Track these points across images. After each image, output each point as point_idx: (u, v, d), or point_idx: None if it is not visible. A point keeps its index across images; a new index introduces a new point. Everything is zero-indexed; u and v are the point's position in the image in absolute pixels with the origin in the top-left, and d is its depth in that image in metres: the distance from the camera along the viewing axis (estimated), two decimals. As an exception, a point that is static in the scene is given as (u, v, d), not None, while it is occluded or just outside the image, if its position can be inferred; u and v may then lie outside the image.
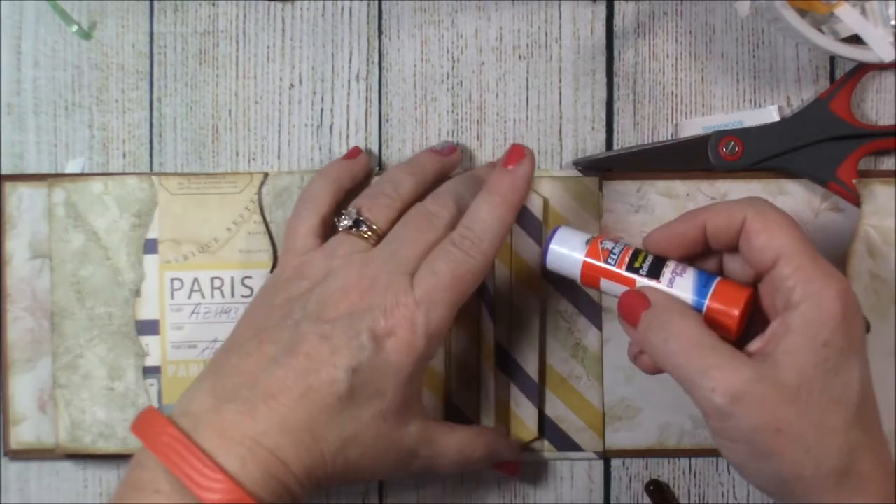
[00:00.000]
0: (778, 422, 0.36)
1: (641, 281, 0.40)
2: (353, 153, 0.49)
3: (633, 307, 0.40)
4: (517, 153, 0.43)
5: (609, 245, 0.42)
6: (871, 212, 0.48)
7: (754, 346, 0.38)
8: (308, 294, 0.42)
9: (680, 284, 0.40)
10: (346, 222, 0.44)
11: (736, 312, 0.39)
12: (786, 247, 0.37)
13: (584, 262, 0.42)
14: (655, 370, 0.41)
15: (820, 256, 0.37)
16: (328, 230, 0.45)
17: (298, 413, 0.39)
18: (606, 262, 0.41)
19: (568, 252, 0.42)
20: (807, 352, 0.36)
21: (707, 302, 0.39)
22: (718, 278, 0.40)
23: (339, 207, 0.46)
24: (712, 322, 0.39)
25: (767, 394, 0.36)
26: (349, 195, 0.47)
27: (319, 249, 0.44)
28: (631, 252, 0.41)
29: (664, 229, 0.41)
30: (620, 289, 0.41)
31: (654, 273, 0.40)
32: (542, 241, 0.49)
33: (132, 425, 0.39)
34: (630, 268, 0.41)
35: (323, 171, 0.47)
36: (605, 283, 0.42)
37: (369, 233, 0.43)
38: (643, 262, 0.41)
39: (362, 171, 0.48)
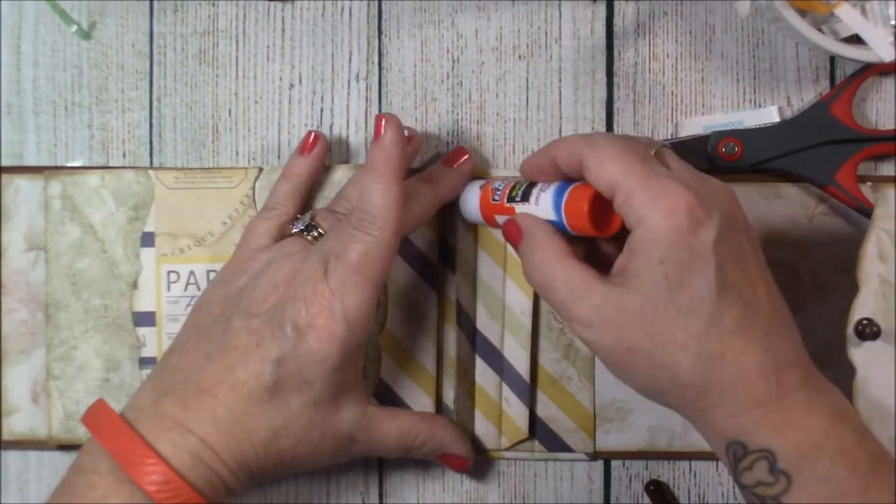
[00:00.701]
0: (627, 342, 0.38)
1: (517, 207, 0.43)
2: (311, 144, 0.49)
3: (512, 237, 0.43)
4: (379, 123, 0.43)
5: (496, 184, 0.45)
6: (883, 215, 0.48)
7: (620, 261, 0.39)
8: (242, 290, 0.43)
9: (543, 201, 0.42)
10: (298, 227, 0.46)
11: (584, 213, 0.40)
12: (616, 177, 0.38)
13: (480, 204, 0.45)
14: None
15: (657, 177, 0.38)
16: (286, 233, 0.47)
17: (228, 405, 0.40)
18: (493, 198, 0.44)
19: (469, 199, 0.46)
20: (645, 272, 0.37)
21: (563, 213, 0.41)
22: (572, 186, 0.41)
23: (301, 207, 0.48)
24: (574, 226, 0.41)
25: (613, 318, 0.38)
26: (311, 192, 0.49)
27: (267, 248, 0.45)
28: (511, 184, 0.44)
29: (528, 160, 0.44)
30: (506, 219, 0.43)
31: (526, 197, 0.43)
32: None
33: (83, 417, 0.41)
34: (510, 198, 0.43)
35: (286, 171, 0.49)
36: (498, 218, 0.44)
37: (316, 235, 0.45)
38: (518, 189, 0.43)
39: (322, 163, 0.49)
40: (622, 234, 0.39)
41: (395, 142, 0.42)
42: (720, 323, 0.37)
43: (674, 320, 0.37)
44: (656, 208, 0.37)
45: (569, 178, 0.42)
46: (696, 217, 0.37)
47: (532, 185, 0.43)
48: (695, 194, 0.37)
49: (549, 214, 0.41)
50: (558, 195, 0.41)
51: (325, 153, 0.49)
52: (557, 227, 0.41)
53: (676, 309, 0.37)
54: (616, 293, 0.38)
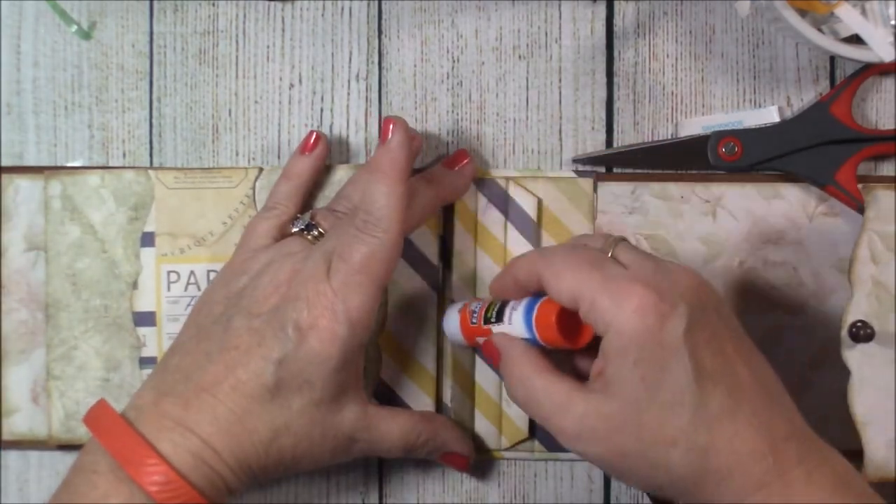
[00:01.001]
0: (618, 447, 0.38)
1: (494, 328, 0.43)
2: (313, 144, 0.49)
3: (492, 357, 0.43)
4: (387, 125, 0.43)
5: (473, 306, 0.45)
6: (874, 217, 0.48)
7: (596, 365, 0.39)
8: (243, 289, 0.43)
9: (515, 320, 0.42)
10: (298, 226, 0.46)
11: (553, 328, 0.40)
12: (575, 289, 0.38)
13: (461, 327, 0.45)
14: None
15: (615, 280, 0.38)
16: (286, 233, 0.47)
17: (229, 405, 0.40)
18: (472, 321, 0.45)
19: (451, 322, 0.46)
20: (622, 376, 0.37)
21: (535, 330, 0.41)
22: (540, 302, 0.41)
23: (301, 207, 0.48)
24: (547, 341, 0.41)
25: (598, 426, 0.38)
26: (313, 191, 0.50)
27: (267, 248, 0.45)
28: (486, 305, 0.44)
29: (494, 281, 0.45)
30: (488, 337, 0.44)
31: (500, 317, 0.43)
32: (536, 242, 0.49)
33: (84, 417, 0.41)
34: (486, 320, 0.44)
35: (286, 171, 0.49)
36: (478, 339, 0.45)
37: (316, 235, 0.45)
38: (493, 310, 0.43)
39: (323, 163, 0.49)
40: (598, 340, 0.39)
41: (402, 145, 0.42)
42: (705, 412, 0.37)
43: (659, 419, 0.37)
44: (621, 311, 0.37)
45: (538, 293, 0.42)
46: (661, 312, 0.37)
47: (505, 304, 0.43)
48: (655, 290, 0.37)
49: (523, 332, 0.42)
50: (528, 312, 0.41)
51: (327, 153, 0.49)
52: (533, 343, 0.42)
53: (659, 407, 0.37)
54: (597, 401, 0.38)
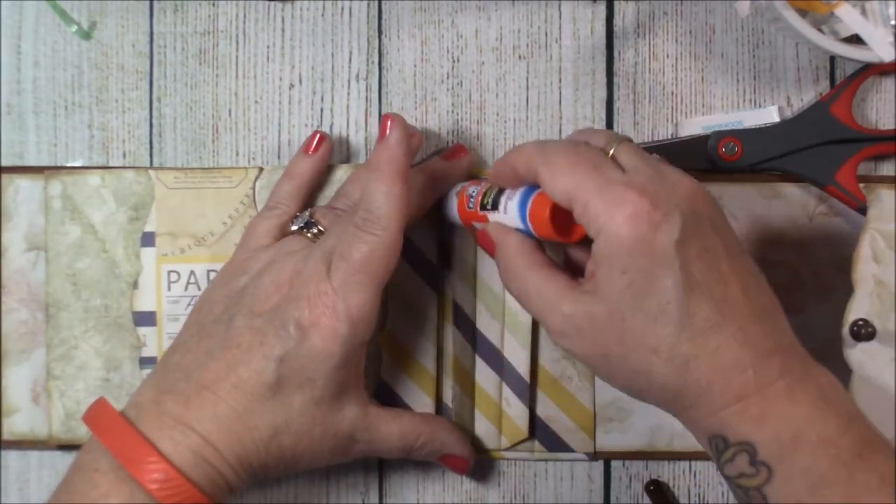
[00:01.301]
0: (601, 348, 0.38)
1: (489, 215, 0.43)
2: (317, 145, 0.49)
3: (486, 247, 0.43)
4: (385, 123, 0.43)
5: (470, 190, 0.45)
6: (877, 216, 0.48)
7: (589, 266, 0.39)
8: (244, 289, 0.44)
9: (510, 209, 0.42)
10: (298, 224, 0.46)
11: (547, 223, 0.40)
12: (570, 190, 0.38)
13: (458, 210, 0.46)
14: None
15: (610, 185, 0.37)
16: (287, 232, 0.47)
17: (230, 402, 0.40)
18: (468, 206, 0.45)
19: (450, 203, 0.46)
20: (610, 282, 0.37)
21: (528, 222, 0.41)
22: (535, 193, 0.41)
23: (303, 207, 0.48)
24: (540, 234, 0.41)
25: (585, 326, 0.38)
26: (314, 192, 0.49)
27: (268, 247, 0.46)
28: (483, 191, 0.44)
29: (493, 168, 0.44)
30: (483, 225, 0.44)
31: (496, 205, 0.43)
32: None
33: (84, 415, 0.41)
34: (482, 205, 0.43)
35: (289, 170, 0.49)
36: (475, 225, 0.45)
37: (316, 233, 0.45)
38: (489, 197, 0.43)
39: (326, 164, 0.49)
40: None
41: (400, 142, 0.42)
42: (690, 324, 0.37)
43: (643, 327, 0.37)
44: (612, 218, 0.37)
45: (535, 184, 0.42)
46: (654, 221, 0.37)
47: (501, 191, 0.43)
48: (650, 198, 0.37)
49: (517, 223, 0.42)
50: (522, 204, 0.41)
51: (330, 154, 0.49)
52: (527, 234, 0.41)
53: (644, 315, 0.37)
54: (585, 302, 0.38)
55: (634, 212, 0.36)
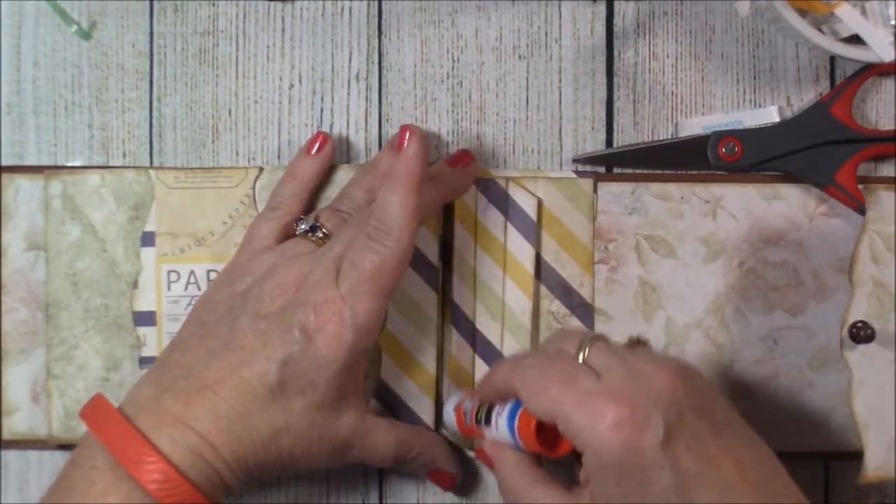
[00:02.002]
0: None
1: (484, 431, 0.43)
2: (320, 146, 0.49)
3: (486, 463, 0.44)
4: (403, 134, 0.43)
5: (465, 405, 0.45)
6: (876, 218, 0.48)
7: (583, 475, 0.39)
8: (248, 290, 0.43)
9: (501, 426, 0.42)
10: (303, 227, 0.46)
11: (534, 440, 0.40)
12: (549, 407, 0.39)
13: (458, 426, 0.46)
14: None
15: (587, 398, 0.38)
16: (289, 234, 0.47)
17: (230, 402, 0.40)
18: (466, 422, 0.45)
19: (448, 418, 0.47)
20: (605, 494, 0.38)
21: (518, 439, 0.41)
22: (521, 409, 0.41)
23: (305, 208, 0.48)
24: (530, 450, 0.41)
25: None
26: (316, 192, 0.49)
27: (272, 249, 0.46)
28: (476, 407, 0.44)
29: (479, 387, 0.45)
30: (480, 441, 0.44)
31: (488, 420, 0.43)
32: (536, 242, 0.49)
33: (81, 411, 0.41)
34: (477, 421, 0.44)
35: (291, 171, 0.49)
36: (475, 439, 0.45)
37: (321, 236, 0.45)
38: (482, 412, 0.44)
39: (328, 165, 0.49)
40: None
41: (419, 154, 0.42)
42: None
43: None
44: (595, 432, 0.37)
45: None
46: (636, 426, 0.36)
47: (492, 406, 0.43)
48: (628, 404, 0.37)
49: (508, 438, 0.42)
50: (510, 421, 0.42)
51: (333, 155, 0.49)
52: (518, 448, 0.42)
53: None
54: None
55: (615, 421, 0.37)
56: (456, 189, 0.48)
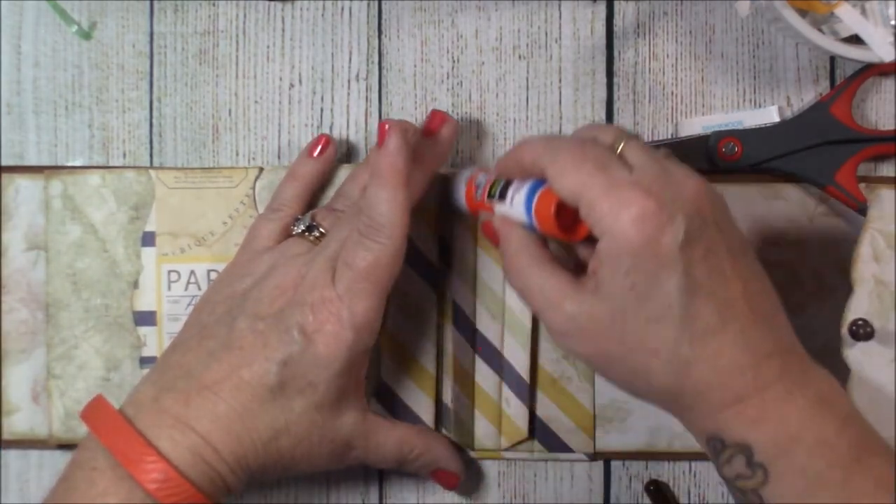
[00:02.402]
0: (603, 350, 0.38)
1: (496, 206, 0.43)
2: (323, 148, 0.49)
3: (491, 239, 0.43)
4: (382, 131, 0.43)
5: (479, 178, 0.45)
6: (877, 216, 0.48)
7: (592, 264, 0.39)
8: (248, 291, 0.44)
9: (517, 202, 0.42)
10: (300, 227, 0.46)
11: (552, 220, 0.40)
12: (576, 189, 0.38)
13: (466, 198, 0.45)
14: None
15: (616, 185, 0.37)
16: (290, 235, 0.47)
17: (230, 403, 0.40)
18: (476, 195, 0.45)
19: (458, 190, 0.46)
20: (613, 283, 0.37)
21: (534, 217, 0.41)
22: (542, 189, 0.41)
23: (306, 209, 0.48)
24: (545, 231, 0.41)
25: (586, 326, 0.38)
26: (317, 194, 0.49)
27: (271, 249, 0.46)
28: (492, 181, 0.44)
29: (500, 160, 0.44)
30: (488, 216, 0.44)
31: (503, 195, 0.42)
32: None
33: (82, 412, 0.41)
34: (489, 195, 0.43)
35: (293, 172, 0.48)
36: (481, 214, 0.45)
37: (318, 235, 0.45)
38: (497, 187, 0.43)
39: (330, 167, 0.49)
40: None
41: (400, 148, 0.42)
42: (691, 327, 0.37)
43: (644, 329, 0.37)
44: (618, 219, 0.37)
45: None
46: (659, 222, 0.36)
47: (509, 182, 0.43)
48: (656, 199, 0.37)
49: (522, 217, 0.41)
50: (529, 198, 0.41)
51: (335, 157, 0.49)
52: (531, 228, 0.41)
53: (646, 318, 0.37)
54: (588, 302, 0.38)
55: (640, 213, 0.36)
56: (436, 159, 0.47)
